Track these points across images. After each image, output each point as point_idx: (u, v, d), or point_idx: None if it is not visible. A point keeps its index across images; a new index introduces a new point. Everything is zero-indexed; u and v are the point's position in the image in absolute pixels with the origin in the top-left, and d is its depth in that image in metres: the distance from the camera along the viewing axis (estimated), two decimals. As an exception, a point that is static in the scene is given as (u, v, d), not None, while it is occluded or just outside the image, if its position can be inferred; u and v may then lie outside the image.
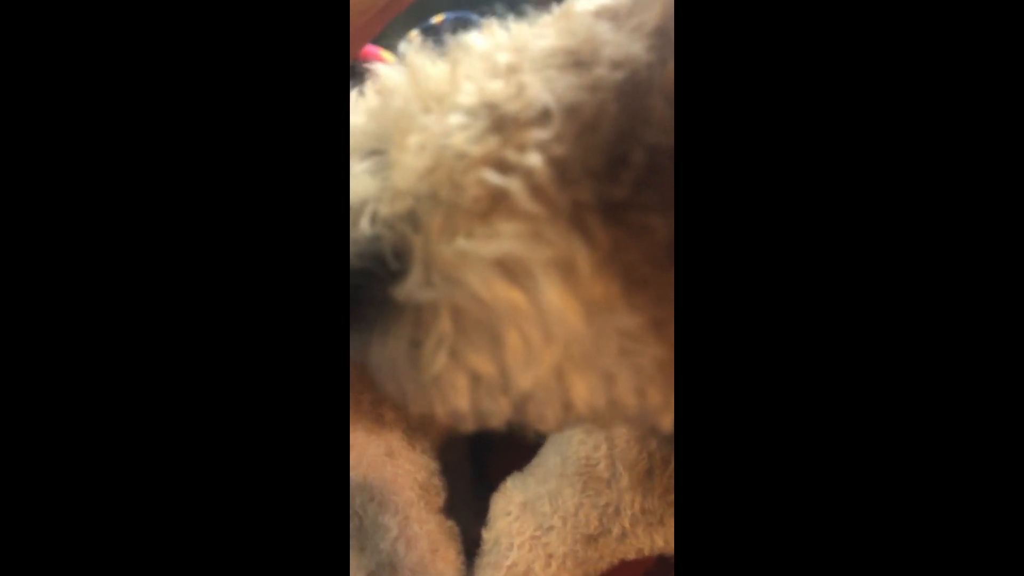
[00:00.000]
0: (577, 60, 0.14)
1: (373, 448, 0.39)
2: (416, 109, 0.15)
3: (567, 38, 0.15)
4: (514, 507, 0.35)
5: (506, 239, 0.13)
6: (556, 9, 0.18)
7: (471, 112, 0.14)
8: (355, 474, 0.38)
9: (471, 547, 0.38)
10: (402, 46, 0.67)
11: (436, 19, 0.83)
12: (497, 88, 0.15)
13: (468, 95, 0.15)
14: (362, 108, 0.16)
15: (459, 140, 0.14)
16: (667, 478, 0.29)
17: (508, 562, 0.34)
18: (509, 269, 0.13)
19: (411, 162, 0.14)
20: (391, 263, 0.14)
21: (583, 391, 0.14)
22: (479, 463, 0.50)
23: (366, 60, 0.84)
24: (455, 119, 0.14)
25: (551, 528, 0.33)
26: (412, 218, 0.14)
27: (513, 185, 0.14)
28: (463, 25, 0.67)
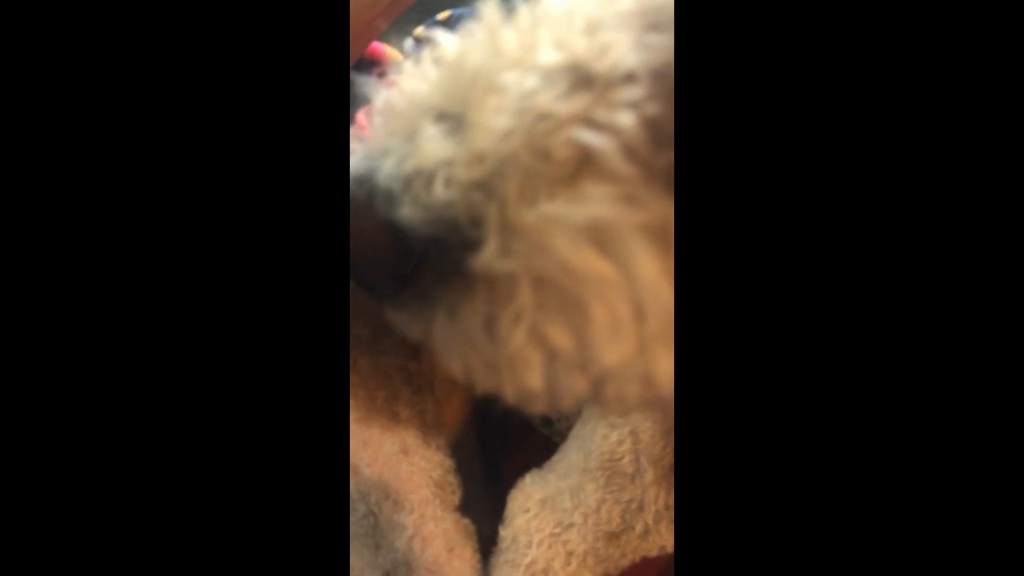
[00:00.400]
0: (659, 21, 0.14)
1: (388, 446, 0.38)
2: (496, 67, 0.14)
3: (645, 2, 0.14)
4: (533, 504, 0.34)
5: (595, 203, 0.13)
6: None
7: (554, 72, 0.14)
8: (370, 472, 0.37)
9: (485, 545, 0.38)
10: (407, 42, 0.66)
11: (442, 16, 0.82)
12: (581, 46, 0.14)
13: (550, 54, 0.14)
14: (422, 75, 0.16)
15: (543, 100, 0.13)
16: (693, 473, 0.29)
17: (527, 560, 0.33)
18: (598, 236, 0.13)
19: (489, 124, 0.14)
20: (467, 231, 0.14)
21: (669, 367, 0.14)
22: (490, 461, 0.50)
23: (371, 57, 0.84)
24: (538, 78, 0.14)
25: (571, 525, 0.32)
26: (490, 183, 0.13)
27: (605, 145, 0.13)
28: (469, 21, 0.67)
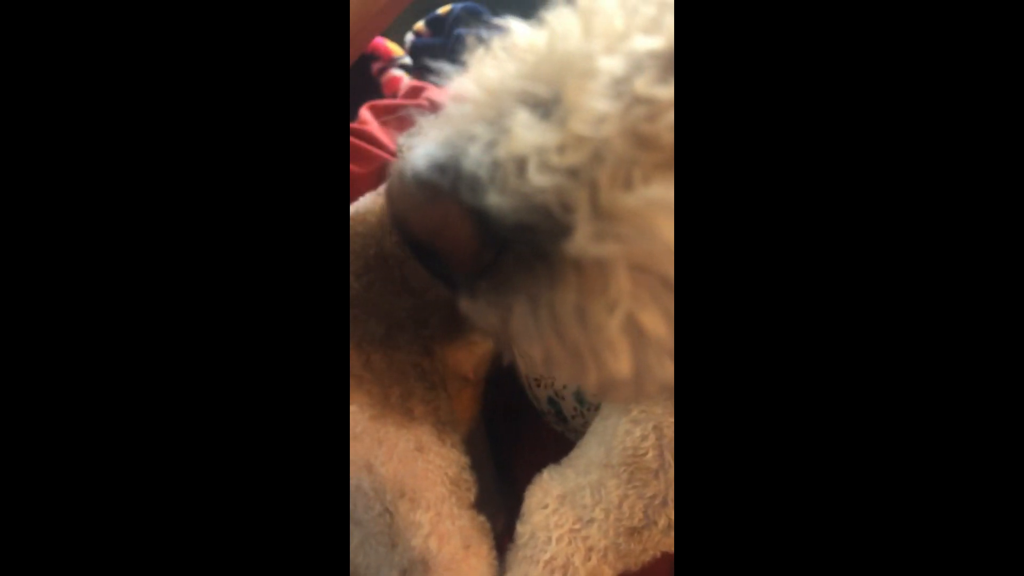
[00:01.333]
0: None
1: (403, 443, 0.38)
2: (591, 52, 0.14)
3: None
4: (551, 500, 0.34)
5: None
6: None
7: (649, 56, 0.14)
8: (385, 469, 0.37)
9: (497, 541, 0.38)
10: (408, 37, 0.66)
11: (442, 10, 0.82)
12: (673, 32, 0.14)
13: (645, 39, 0.14)
14: (498, 62, 0.16)
15: (640, 84, 0.13)
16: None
17: (546, 556, 0.33)
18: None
19: (590, 107, 0.13)
20: (559, 217, 0.13)
21: None
22: (500, 458, 0.49)
23: (372, 52, 0.83)
24: (632, 63, 0.13)
25: (592, 521, 0.32)
26: (586, 168, 0.13)
27: None
28: (470, 15, 0.67)
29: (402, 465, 0.37)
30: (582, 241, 0.13)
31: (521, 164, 0.13)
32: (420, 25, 0.81)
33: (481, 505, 0.41)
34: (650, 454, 0.30)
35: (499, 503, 0.41)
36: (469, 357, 0.45)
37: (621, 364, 0.14)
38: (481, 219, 0.14)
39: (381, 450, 0.37)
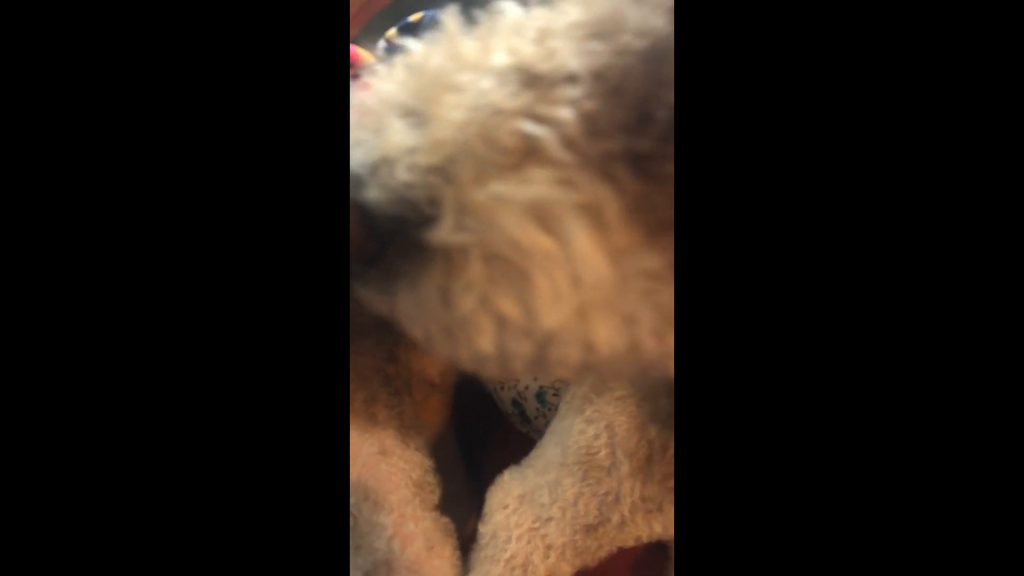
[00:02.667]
0: (601, 31, 0.15)
1: (367, 447, 0.38)
2: (454, 69, 0.15)
3: (591, 12, 0.15)
4: (511, 500, 0.35)
5: (538, 185, 0.14)
6: None
7: (505, 72, 0.15)
8: (349, 473, 0.37)
9: (466, 544, 0.38)
10: (380, 44, 0.67)
11: (414, 17, 0.82)
12: (530, 51, 0.15)
13: (502, 57, 0.15)
14: (392, 77, 0.17)
15: (495, 96, 0.14)
16: (666, 464, 0.29)
17: (507, 555, 0.34)
18: (540, 214, 0.14)
19: (447, 116, 0.14)
20: (426, 210, 0.15)
21: (605, 332, 0.15)
22: (472, 460, 0.50)
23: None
24: (491, 78, 0.15)
25: (550, 519, 0.33)
26: (443, 170, 0.15)
27: (546, 135, 0.14)
28: (440, 23, 0.67)
29: (365, 469, 0.38)
30: (444, 232, 0.14)
31: (393, 164, 0.14)
32: (392, 33, 0.82)
33: (451, 507, 0.41)
34: (602, 452, 0.30)
35: (471, 504, 0.42)
36: (434, 362, 0.46)
37: (484, 342, 0.15)
38: (364, 213, 0.15)
39: (345, 454, 0.38)
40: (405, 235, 0.15)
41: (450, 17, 0.17)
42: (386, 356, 0.41)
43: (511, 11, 0.17)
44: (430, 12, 0.79)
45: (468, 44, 0.16)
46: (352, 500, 0.37)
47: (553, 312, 0.14)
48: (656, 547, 0.41)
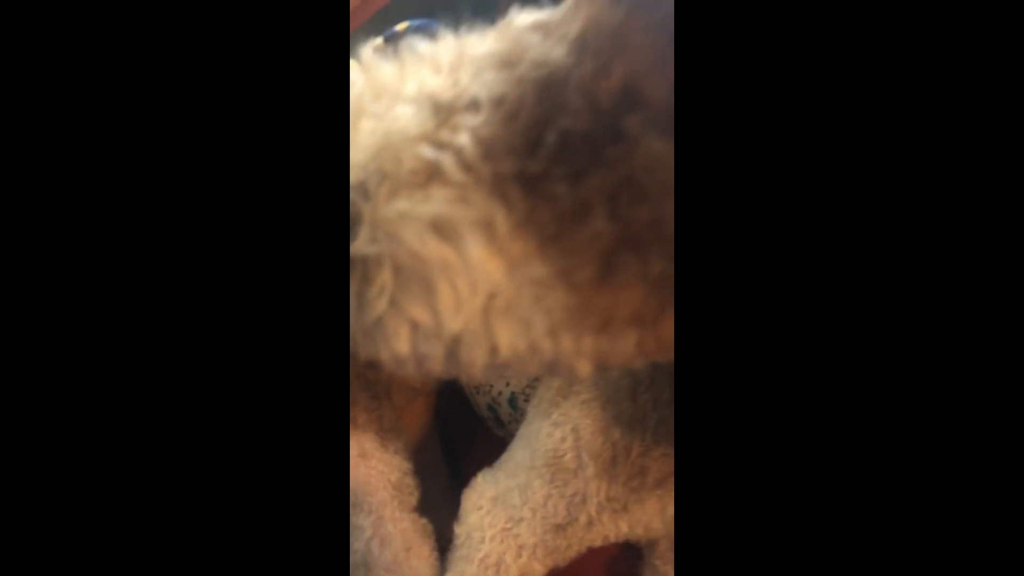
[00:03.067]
0: (506, 61, 0.16)
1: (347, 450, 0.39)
2: (368, 99, 0.17)
3: (501, 43, 0.17)
4: (485, 501, 0.36)
5: (438, 202, 0.15)
6: (511, 16, 0.19)
7: (413, 101, 0.16)
8: (329, 476, 0.38)
9: (448, 545, 0.39)
10: (365, 52, 0.68)
11: (400, 27, 0.83)
12: (436, 82, 0.16)
13: (412, 88, 0.16)
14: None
15: (402, 123, 0.16)
16: (629, 465, 0.30)
17: (480, 555, 0.35)
18: (440, 228, 0.15)
19: (363, 141, 0.16)
20: (353, 223, 0.16)
21: (506, 335, 0.16)
22: (454, 463, 0.51)
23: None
24: (402, 106, 0.16)
25: (521, 520, 0.34)
26: (363, 187, 0.16)
27: (444, 159, 0.16)
28: (426, 32, 0.69)
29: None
30: (360, 243, 0.15)
31: None
32: (378, 41, 0.83)
33: (434, 508, 0.42)
34: (568, 455, 0.32)
35: (453, 506, 0.42)
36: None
37: (399, 344, 0.16)
38: None
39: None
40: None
41: (367, 50, 0.18)
42: (366, 361, 0.42)
43: (444, 44, 0.18)
44: (415, 22, 0.80)
45: (386, 73, 0.17)
46: (331, 502, 0.38)
47: (457, 317, 0.16)
48: (629, 549, 0.43)
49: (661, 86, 0.15)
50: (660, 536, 0.38)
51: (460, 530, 0.36)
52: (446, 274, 0.15)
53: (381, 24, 0.86)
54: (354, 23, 0.80)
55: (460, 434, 0.52)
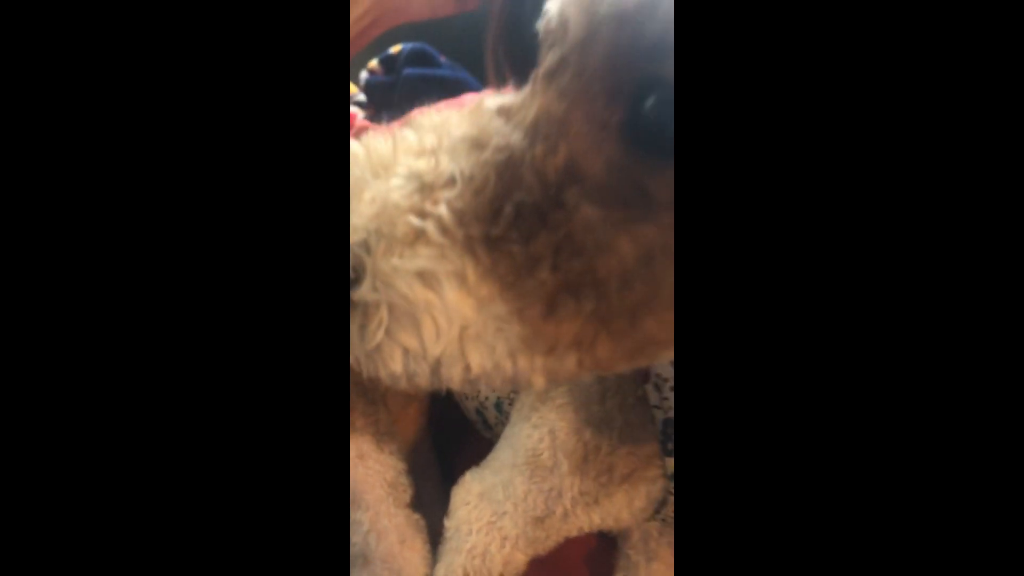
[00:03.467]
0: (476, 144, 0.20)
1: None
2: (369, 176, 0.21)
3: (473, 128, 0.20)
4: (472, 497, 0.39)
5: (423, 258, 0.19)
6: (473, 102, 0.23)
7: (404, 178, 0.20)
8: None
9: (439, 538, 0.43)
10: (363, 75, 0.72)
11: (394, 49, 0.87)
12: (421, 164, 0.20)
13: (403, 167, 0.20)
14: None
15: (395, 196, 0.20)
16: (599, 463, 0.34)
17: (468, 546, 0.38)
18: (424, 278, 0.19)
19: (365, 210, 0.20)
20: (357, 274, 0.20)
21: (475, 357, 0.20)
22: (446, 464, 0.54)
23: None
24: (394, 183, 0.20)
25: (505, 513, 0.37)
26: (365, 245, 0.19)
27: (428, 225, 0.19)
28: (418, 55, 0.73)
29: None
30: (364, 291, 0.19)
31: None
32: (374, 63, 0.87)
33: (428, 505, 0.46)
34: (545, 454, 0.35)
35: (446, 503, 0.46)
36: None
37: (394, 365, 0.20)
38: None
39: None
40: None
41: (357, 145, 0.22)
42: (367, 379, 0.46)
43: (420, 123, 0.22)
44: (408, 46, 0.84)
45: (383, 152, 0.21)
46: (332, 499, 0.41)
47: (438, 344, 0.19)
48: (605, 542, 0.46)
49: (597, 163, 0.18)
50: (629, 527, 0.41)
51: (450, 524, 0.40)
52: (429, 312, 0.19)
53: (378, 47, 0.90)
54: (353, 50, 0.84)
55: (451, 436, 0.56)
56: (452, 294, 0.19)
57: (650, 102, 0.17)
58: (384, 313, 0.19)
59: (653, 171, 0.18)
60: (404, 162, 0.20)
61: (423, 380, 0.20)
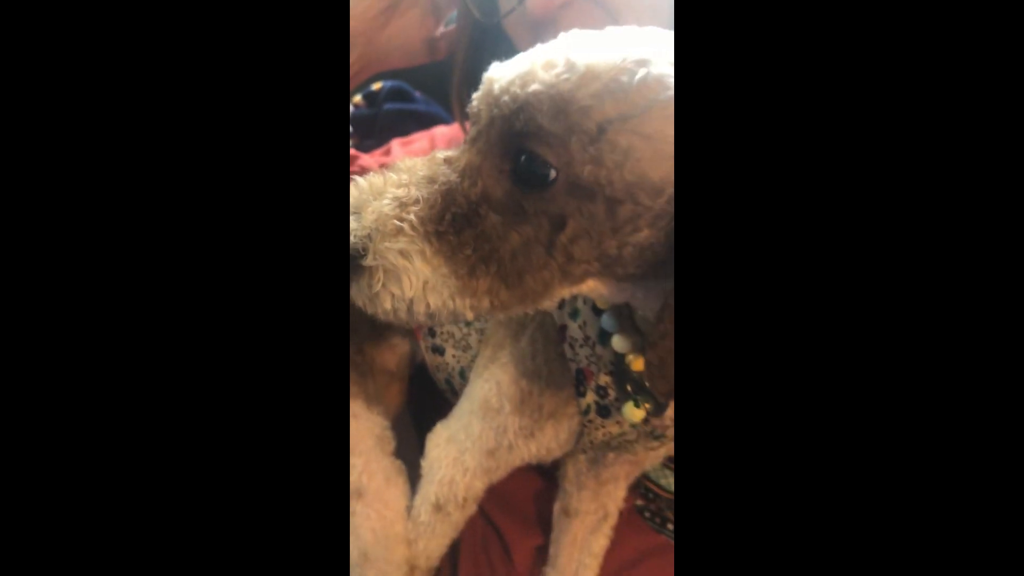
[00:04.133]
0: (431, 179, 0.32)
1: (342, 411, 0.55)
2: (370, 197, 0.33)
3: (429, 171, 0.33)
4: (441, 441, 0.51)
5: (402, 243, 0.31)
6: (441, 135, 0.36)
7: (390, 199, 0.32)
8: (330, 430, 0.54)
9: (416, 482, 0.54)
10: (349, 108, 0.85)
11: (375, 86, 1.00)
12: (400, 192, 0.32)
13: (390, 193, 0.32)
14: (352, 192, 0.34)
15: (386, 209, 0.32)
16: (532, 404, 0.46)
17: (438, 477, 0.50)
18: (403, 253, 0.31)
19: (368, 217, 0.32)
20: (361, 251, 0.32)
21: (432, 299, 0.31)
22: (420, 430, 0.66)
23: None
24: (384, 202, 0.32)
25: (466, 450, 0.49)
26: (368, 236, 0.32)
27: (404, 226, 0.31)
28: (396, 92, 0.87)
29: (342, 427, 0.54)
30: (368, 260, 0.31)
31: (355, 232, 0.31)
32: (358, 98, 0.99)
33: (405, 460, 0.57)
34: (493, 400, 0.47)
35: (418, 459, 0.57)
36: (392, 356, 0.62)
37: (387, 304, 0.32)
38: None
39: (327, 417, 0.54)
40: (355, 262, 0.32)
41: (362, 180, 0.34)
42: (356, 350, 0.58)
43: (399, 166, 0.34)
44: (388, 83, 0.96)
45: (377, 184, 0.33)
46: (332, 448, 0.53)
47: (411, 291, 0.31)
48: (548, 481, 0.58)
49: (497, 191, 0.31)
50: (563, 464, 0.54)
51: (425, 463, 0.52)
52: (405, 273, 0.31)
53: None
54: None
55: (426, 410, 0.67)
56: (418, 263, 0.31)
57: (523, 159, 0.30)
58: (380, 273, 0.31)
59: (527, 196, 0.30)
60: (390, 191, 0.32)
61: (403, 315, 0.32)
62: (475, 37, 0.60)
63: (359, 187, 0.33)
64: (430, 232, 0.31)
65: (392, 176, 0.33)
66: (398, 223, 0.31)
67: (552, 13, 0.50)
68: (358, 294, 0.32)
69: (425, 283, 0.31)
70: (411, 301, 0.32)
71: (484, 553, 0.60)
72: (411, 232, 0.31)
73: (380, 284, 0.31)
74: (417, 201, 0.32)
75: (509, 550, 0.59)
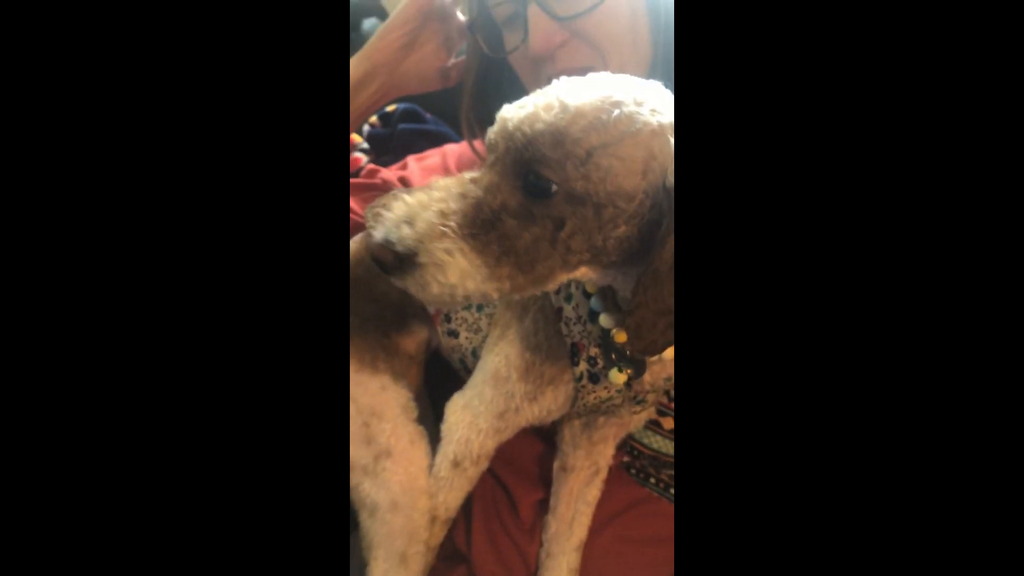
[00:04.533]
0: (463, 195, 0.42)
1: (373, 385, 0.64)
2: (419, 210, 0.42)
3: (461, 188, 0.42)
4: (458, 408, 0.60)
5: (447, 243, 0.40)
6: (451, 152, 0.48)
7: (435, 212, 0.41)
8: (363, 400, 0.63)
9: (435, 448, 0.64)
10: (365, 128, 0.99)
11: (389, 108, 1.10)
12: (441, 205, 0.42)
13: (434, 207, 0.42)
14: (403, 207, 0.44)
15: (432, 219, 0.41)
16: (535, 372, 0.55)
17: (456, 437, 0.59)
18: (448, 252, 0.40)
19: (420, 225, 0.41)
20: (412, 252, 0.41)
21: (469, 284, 0.41)
22: (437, 406, 0.76)
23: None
24: (430, 213, 0.42)
25: (479, 414, 0.59)
26: (422, 239, 0.41)
27: (447, 230, 0.41)
28: (409, 113, 1.00)
29: (373, 398, 0.64)
30: (420, 257, 0.41)
31: (402, 240, 0.41)
32: (374, 119, 1.10)
33: (426, 426, 0.67)
34: (503, 370, 0.57)
35: (435, 429, 0.67)
36: (412, 341, 0.72)
37: (435, 290, 0.41)
38: (392, 250, 0.42)
39: (359, 389, 0.64)
40: (409, 259, 0.41)
41: (410, 196, 0.44)
42: (382, 334, 0.68)
43: (438, 184, 0.45)
44: (401, 105, 1.07)
45: (423, 199, 0.43)
46: (366, 415, 0.63)
47: (454, 278, 0.40)
48: (548, 445, 0.68)
49: (513, 202, 0.40)
50: (555, 418, 0.64)
51: (444, 427, 0.61)
52: (450, 267, 0.40)
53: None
54: (368, 115, 1.05)
55: (441, 389, 0.77)
56: (459, 257, 0.41)
57: (531, 178, 0.40)
58: (431, 267, 0.41)
59: (535, 204, 0.40)
60: (433, 206, 0.42)
61: (447, 299, 0.42)
62: (482, 68, 0.70)
63: (408, 203, 0.43)
64: (466, 234, 0.41)
65: (434, 193, 0.43)
66: (442, 228, 0.42)
67: (550, 51, 0.60)
68: (412, 284, 0.42)
69: (464, 272, 0.41)
70: (453, 286, 0.42)
71: (494, 507, 0.70)
72: (452, 235, 0.41)
73: (431, 275, 0.41)
74: (455, 212, 0.42)
75: (515, 504, 0.69)
